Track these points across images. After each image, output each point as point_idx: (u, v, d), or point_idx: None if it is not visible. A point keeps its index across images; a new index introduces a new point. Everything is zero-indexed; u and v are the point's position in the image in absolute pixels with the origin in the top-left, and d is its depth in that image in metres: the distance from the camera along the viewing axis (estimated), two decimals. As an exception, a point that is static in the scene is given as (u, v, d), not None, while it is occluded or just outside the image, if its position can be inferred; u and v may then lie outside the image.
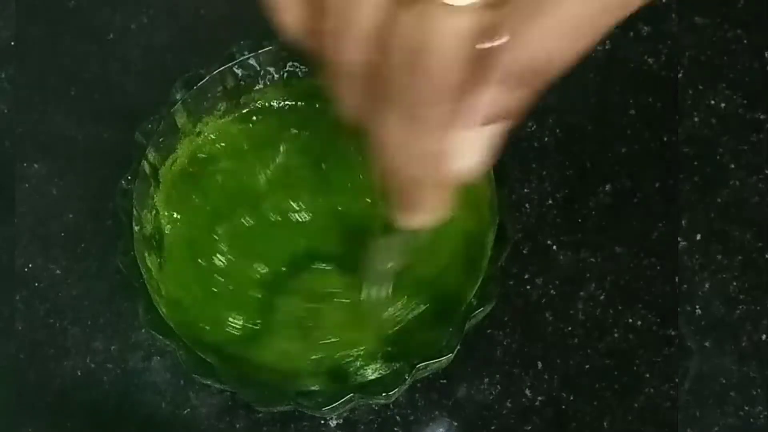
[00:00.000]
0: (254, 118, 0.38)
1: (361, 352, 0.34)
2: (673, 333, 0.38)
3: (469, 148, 0.23)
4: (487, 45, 0.21)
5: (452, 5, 0.20)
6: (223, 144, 0.38)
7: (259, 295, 0.35)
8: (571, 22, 0.20)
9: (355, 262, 0.35)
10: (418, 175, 0.23)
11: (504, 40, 0.21)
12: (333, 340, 0.35)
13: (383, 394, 0.31)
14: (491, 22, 0.20)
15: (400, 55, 0.21)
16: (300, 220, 0.37)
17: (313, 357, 0.34)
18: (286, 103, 0.38)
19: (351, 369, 0.34)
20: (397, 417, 0.37)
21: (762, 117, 0.42)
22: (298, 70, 0.37)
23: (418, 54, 0.20)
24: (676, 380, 0.37)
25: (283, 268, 0.36)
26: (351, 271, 0.35)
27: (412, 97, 0.21)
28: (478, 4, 0.20)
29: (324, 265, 0.36)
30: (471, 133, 0.22)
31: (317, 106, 0.38)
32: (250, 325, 0.35)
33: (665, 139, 0.42)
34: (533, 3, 0.20)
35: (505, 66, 0.21)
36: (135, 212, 0.34)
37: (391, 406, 0.37)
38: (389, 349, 0.34)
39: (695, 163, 0.41)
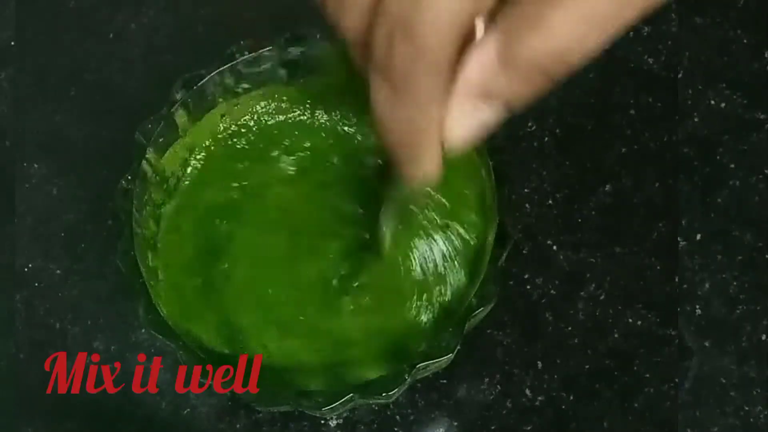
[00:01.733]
0: (254, 118, 0.38)
1: (362, 351, 0.34)
2: (673, 333, 0.38)
3: (461, 121, 0.23)
4: (478, 29, 0.21)
5: None
6: (222, 144, 0.38)
7: (260, 294, 0.35)
8: (594, 11, 0.20)
9: (355, 256, 0.35)
10: (407, 138, 0.24)
11: (481, 29, 0.21)
12: (334, 339, 0.35)
13: (383, 394, 0.31)
14: (489, 6, 0.21)
15: (390, 24, 0.21)
16: (301, 217, 0.37)
17: (314, 356, 0.34)
18: (286, 103, 0.38)
19: (351, 369, 0.34)
20: (397, 417, 0.37)
21: (762, 117, 0.42)
22: (297, 70, 0.37)
23: (404, 27, 0.21)
24: (676, 380, 0.37)
25: (285, 267, 0.36)
26: (353, 265, 0.35)
27: (398, 67, 0.22)
28: None
29: (328, 264, 0.36)
30: (464, 107, 0.23)
31: (316, 105, 0.38)
32: (251, 325, 0.35)
33: (665, 139, 0.42)
34: None
35: (519, 52, 0.21)
36: (135, 212, 0.34)
37: (391, 406, 0.37)
38: (389, 349, 0.34)
39: (695, 163, 0.41)
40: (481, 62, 0.22)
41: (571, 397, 0.37)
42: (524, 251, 0.40)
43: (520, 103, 0.23)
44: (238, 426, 0.37)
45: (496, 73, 0.22)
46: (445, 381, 0.38)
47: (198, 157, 0.37)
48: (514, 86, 0.22)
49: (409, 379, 0.31)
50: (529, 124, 0.42)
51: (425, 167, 0.25)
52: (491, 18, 0.21)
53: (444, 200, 0.36)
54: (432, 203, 0.36)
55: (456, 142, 0.24)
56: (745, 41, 0.43)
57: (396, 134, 0.24)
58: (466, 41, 0.22)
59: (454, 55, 0.22)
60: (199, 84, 0.35)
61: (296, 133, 0.38)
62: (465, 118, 0.23)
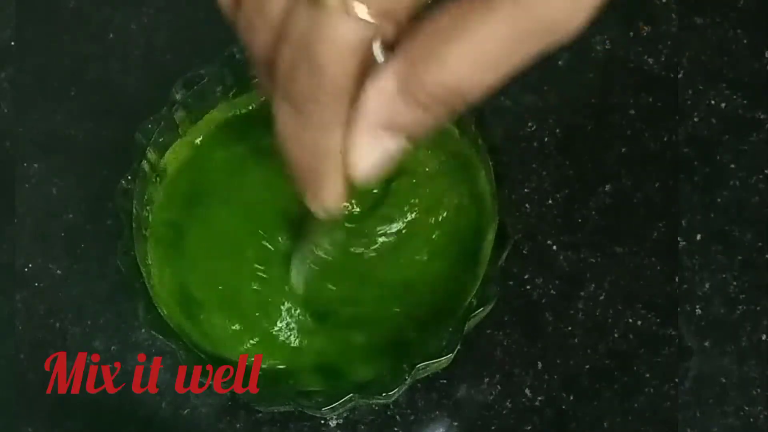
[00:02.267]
0: (254, 118, 0.38)
1: (361, 351, 0.34)
2: (673, 333, 0.38)
3: (363, 150, 0.23)
4: (377, 58, 0.22)
5: (350, 12, 0.20)
6: (222, 144, 0.38)
7: (259, 294, 0.35)
8: (489, 50, 0.21)
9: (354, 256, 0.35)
10: (308, 163, 0.24)
11: (380, 59, 0.22)
12: (333, 338, 0.35)
13: (383, 394, 0.31)
14: (389, 37, 0.21)
15: (292, 48, 0.22)
16: (300, 217, 0.37)
17: (313, 356, 0.34)
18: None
19: (350, 368, 0.34)
20: (397, 417, 0.37)
21: (762, 117, 0.42)
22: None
23: (306, 52, 0.21)
24: (676, 380, 0.37)
25: (283, 267, 0.36)
26: (350, 265, 0.35)
27: (300, 91, 0.22)
28: (376, 18, 0.21)
29: (324, 260, 0.36)
30: (366, 137, 0.23)
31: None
32: (250, 324, 0.35)
33: (665, 139, 0.42)
34: (451, 25, 0.21)
35: (418, 84, 0.21)
36: (135, 212, 0.34)
37: (391, 406, 0.37)
38: (389, 349, 0.34)
39: (695, 163, 0.41)
40: (379, 92, 0.22)
41: (571, 397, 0.37)
42: (524, 251, 0.40)
43: (421, 132, 0.23)
44: (238, 426, 0.37)
45: (395, 103, 0.22)
46: (445, 381, 0.38)
47: (198, 155, 0.37)
48: (412, 116, 0.22)
49: (409, 379, 0.31)
50: (529, 124, 0.42)
51: (326, 196, 0.25)
52: (390, 48, 0.22)
53: (443, 200, 0.36)
54: (432, 203, 0.36)
55: (360, 172, 0.24)
56: (745, 41, 0.43)
57: (298, 159, 0.24)
58: (366, 69, 0.22)
59: (354, 81, 0.22)
60: (199, 84, 0.35)
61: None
62: (367, 148, 0.23)
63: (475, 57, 0.21)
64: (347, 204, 0.25)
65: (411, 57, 0.21)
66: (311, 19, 0.21)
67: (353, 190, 0.25)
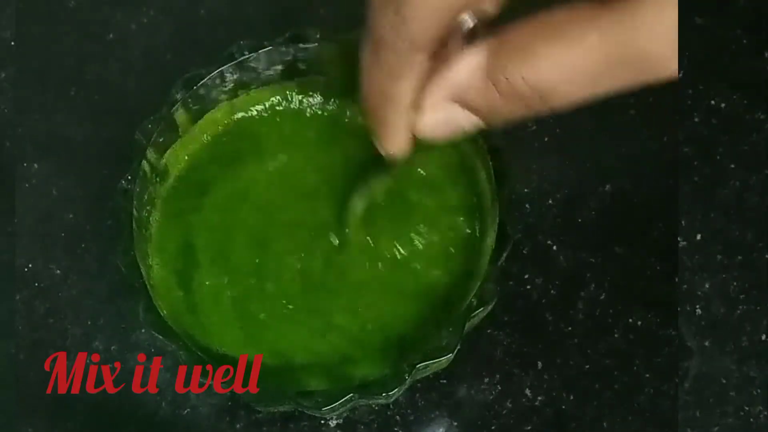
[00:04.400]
0: (253, 117, 0.38)
1: (361, 351, 0.34)
2: (673, 333, 0.38)
3: (432, 112, 0.24)
4: (464, 25, 0.22)
5: None
6: (222, 143, 0.38)
7: (260, 293, 0.35)
8: (584, 64, 0.21)
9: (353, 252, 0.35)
10: (377, 105, 0.25)
11: (468, 25, 0.22)
12: (333, 338, 0.35)
13: (383, 394, 0.31)
14: (482, 14, 0.22)
15: None
16: (299, 216, 0.37)
17: (313, 356, 0.34)
18: (285, 102, 0.38)
19: (351, 369, 0.34)
20: (397, 417, 0.37)
21: (762, 117, 0.42)
22: (297, 70, 0.37)
23: None
24: (676, 380, 0.37)
25: (284, 266, 0.36)
26: (350, 259, 0.35)
27: (381, 33, 0.23)
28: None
29: (324, 259, 0.36)
30: (439, 100, 0.24)
31: (315, 105, 0.38)
32: (251, 324, 0.35)
33: (665, 139, 0.42)
34: (554, 28, 0.21)
35: (505, 72, 0.21)
36: (135, 212, 0.34)
37: (391, 406, 0.37)
38: (389, 349, 0.34)
39: (695, 163, 0.41)
40: (466, 63, 0.22)
41: (571, 397, 0.37)
42: (524, 251, 0.40)
43: (493, 120, 0.23)
44: (238, 426, 0.37)
45: (478, 81, 0.22)
46: (445, 381, 0.38)
47: (198, 155, 0.37)
48: (488, 100, 0.22)
49: (409, 379, 0.31)
50: (529, 124, 0.42)
51: (390, 143, 0.26)
52: (488, 27, 0.22)
53: (444, 200, 0.36)
54: (432, 203, 0.36)
55: (425, 130, 0.24)
56: (745, 41, 0.43)
57: (369, 100, 0.25)
58: (448, 36, 0.22)
59: (433, 39, 0.22)
60: (199, 84, 0.35)
61: (296, 131, 0.38)
62: (437, 112, 0.24)
63: (568, 66, 0.21)
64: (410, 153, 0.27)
65: (507, 44, 0.21)
66: None
67: (419, 145, 0.26)
